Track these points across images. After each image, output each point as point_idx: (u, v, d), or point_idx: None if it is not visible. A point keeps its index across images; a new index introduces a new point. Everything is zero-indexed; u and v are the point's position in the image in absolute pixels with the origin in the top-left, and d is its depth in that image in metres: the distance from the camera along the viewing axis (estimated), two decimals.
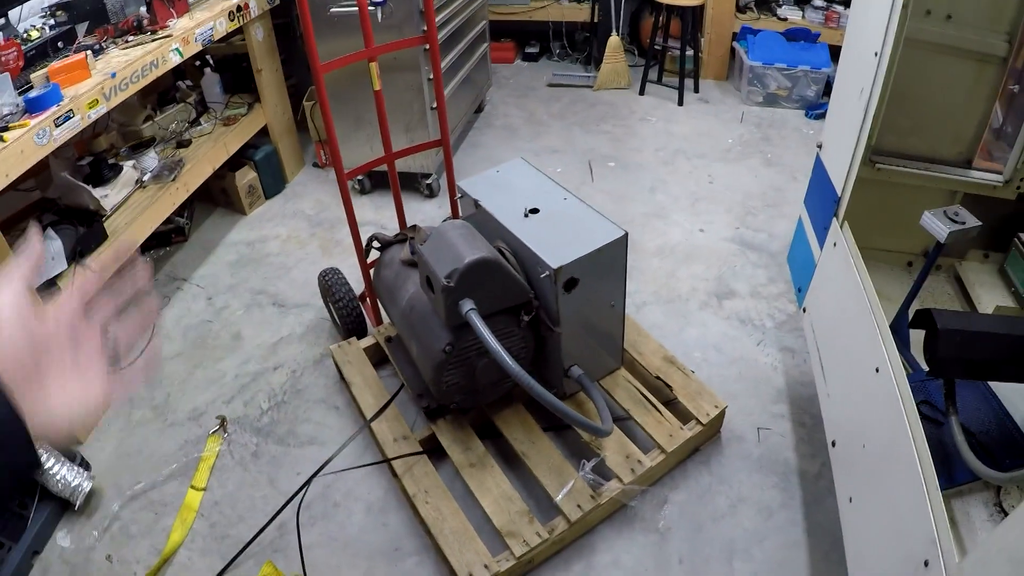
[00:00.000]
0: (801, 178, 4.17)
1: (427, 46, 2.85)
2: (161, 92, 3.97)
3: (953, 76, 2.35)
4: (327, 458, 2.54)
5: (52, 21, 2.93)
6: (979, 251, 2.67)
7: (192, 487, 2.54)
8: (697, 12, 5.20)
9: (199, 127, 3.84)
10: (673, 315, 3.20)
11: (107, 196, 3.08)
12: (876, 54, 2.02)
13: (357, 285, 3.09)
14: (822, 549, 2.24)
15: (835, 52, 4.86)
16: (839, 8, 5.18)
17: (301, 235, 3.90)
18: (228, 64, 4.19)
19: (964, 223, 1.95)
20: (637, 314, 3.19)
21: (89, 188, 3.01)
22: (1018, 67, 2.34)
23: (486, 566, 2.07)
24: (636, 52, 6.13)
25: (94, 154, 3.23)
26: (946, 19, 2.25)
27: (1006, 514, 1.82)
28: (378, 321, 3.03)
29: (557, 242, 2.26)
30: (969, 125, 2.43)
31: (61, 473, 2.37)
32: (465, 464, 2.36)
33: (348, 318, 2.95)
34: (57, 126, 2.46)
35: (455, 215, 2.91)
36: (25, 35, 2.79)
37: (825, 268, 2.40)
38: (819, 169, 2.53)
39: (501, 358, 2.00)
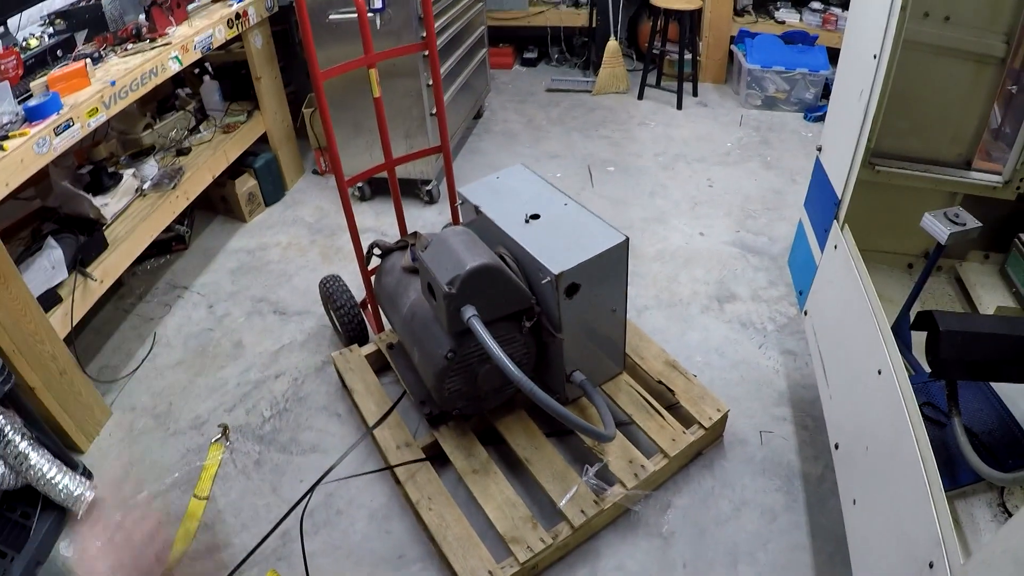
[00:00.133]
0: (800, 181, 4.17)
1: (426, 52, 2.86)
2: (161, 100, 3.97)
3: (952, 77, 2.36)
4: (330, 466, 2.54)
5: (51, 29, 2.93)
6: (979, 252, 2.67)
7: (195, 496, 2.53)
8: (695, 16, 5.21)
9: (199, 135, 3.84)
10: (674, 319, 3.20)
11: (107, 204, 3.08)
12: (875, 56, 2.02)
13: (358, 292, 3.09)
14: (826, 551, 2.24)
15: (833, 54, 4.88)
16: (836, 10, 5.20)
17: (302, 242, 3.90)
18: (227, 72, 4.19)
19: (964, 224, 1.95)
20: (638, 318, 3.19)
21: (89, 197, 3.01)
22: (1016, 67, 2.34)
23: (490, 572, 2.07)
24: (634, 56, 6.14)
25: (94, 162, 3.23)
26: (944, 21, 2.25)
27: (1010, 515, 1.82)
28: (379, 328, 3.03)
29: (558, 248, 2.26)
30: (968, 126, 2.43)
31: (63, 483, 2.36)
32: (468, 470, 2.36)
33: (349, 325, 2.95)
34: (57, 135, 2.46)
35: (455, 221, 2.91)
36: (24, 43, 2.79)
37: (826, 271, 2.40)
38: (819, 172, 2.53)
39: (503, 364, 2.00)
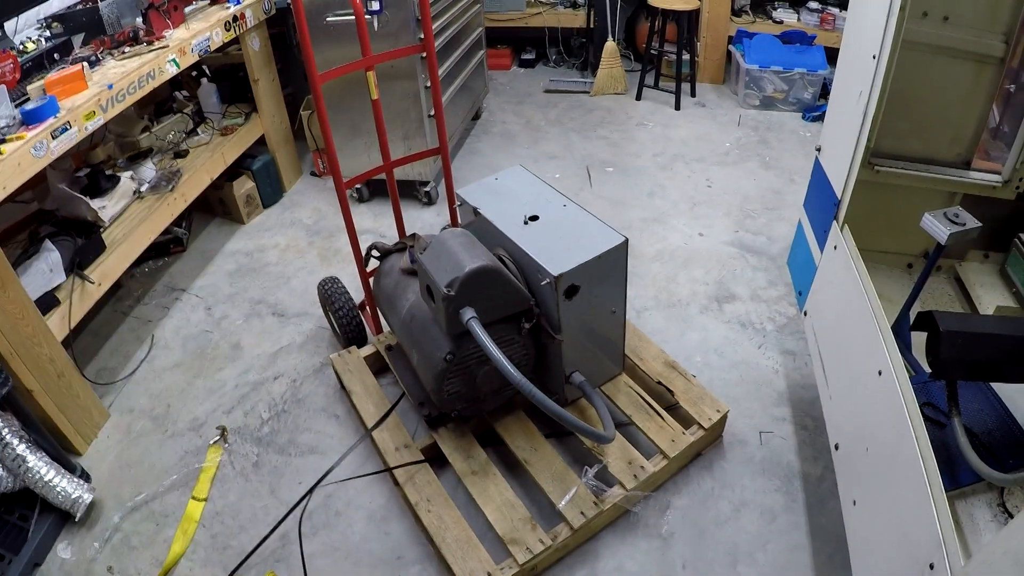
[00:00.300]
0: (799, 181, 4.18)
1: (424, 54, 2.85)
2: (158, 103, 3.96)
3: (951, 77, 2.35)
4: (328, 467, 2.53)
5: (48, 33, 2.93)
6: (979, 252, 2.67)
7: (193, 498, 2.53)
8: (692, 16, 5.20)
9: (196, 137, 3.83)
10: (673, 320, 3.20)
11: (105, 207, 3.08)
12: (874, 56, 2.02)
13: (356, 294, 3.08)
14: (826, 552, 2.23)
15: (831, 54, 4.88)
16: (834, 10, 5.20)
17: (300, 244, 3.89)
18: (225, 74, 4.19)
19: (964, 224, 1.95)
20: (638, 319, 3.18)
21: (87, 199, 3.01)
22: (1015, 67, 2.34)
23: (489, 574, 2.06)
24: (632, 57, 6.14)
25: (91, 165, 3.22)
26: (943, 20, 2.25)
27: (1010, 515, 1.82)
28: (378, 330, 3.03)
29: (557, 249, 2.26)
30: (967, 126, 2.43)
31: (61, 485, 2.36)
32: (467, 472, 2.36)
33: (348, 327, 2.94)
34: (54, 138, 2.45)
35: (454, 223, 2.91)
36: (21, 47, 2.79)
37: (826, 271, 2.40)
38: (818, 172, 2.53)
39: (503, 366, 1.99)
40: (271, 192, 4.24)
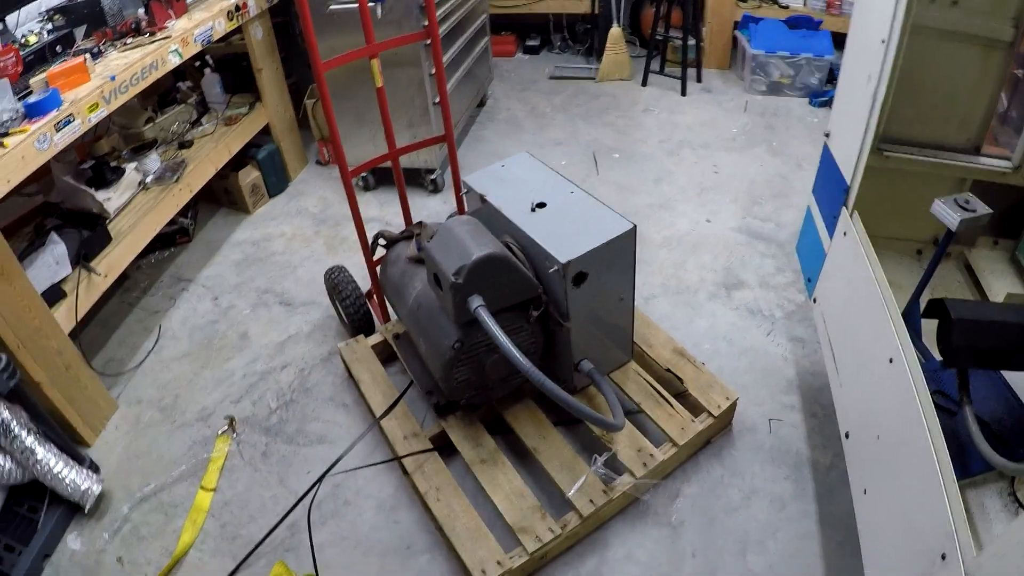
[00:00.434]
0: (807, 166, 4.15)
1: (428, 41, 2.83)
2: (161, 94, 3.96)
3: (960, 62, 2.33)
4: (337, 457, 2.54)
5: (50, 25, 2.92)
6: (989, 238, 2.65)
7: (202, 488, 2.53)
8: (698, 1, 5.18)
9: (201, 128, 3.83)
10: (682, 306, 3.19)
11: (110, 199, 3.08)
12: (883, 41, 1.99)
13: (363, 282, 3.08)
14: (836, 540, 2.23)
15: (837, 39, 4.85)
16: None
17: (306, 233, 3.89)
18: (228, 64, 4.18)
19: (975, 210, 1.93)
20: (646, 306, 3.17)
21: (92, 191, 3.01)
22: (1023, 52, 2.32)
23: (499, 562, 2.06)
24: (637, 43, 6.10)
25: (96, 157, 3.22)
26: (952, 4, 2.23)
27: (1021, 505, 1.81)
28: (385, 318, 3.02)
29: (565, 236, 2.24)
30: (976, 111, 2.40)
31: (70, 477, 2.37)
32: (476, 460, 2.36)
33: (355, 316, 2.94)
34: (58, 131, 2.45)
35: (460, 210, 2.90)
36: (23, 40, 2.78)
37: (835, 258, 2.38)
38: (827, 158, 2.51)
39: (511, 354, 1.99)
40: (276, 181, 4.23)
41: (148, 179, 3.31)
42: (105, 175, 3.11)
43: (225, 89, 4.03)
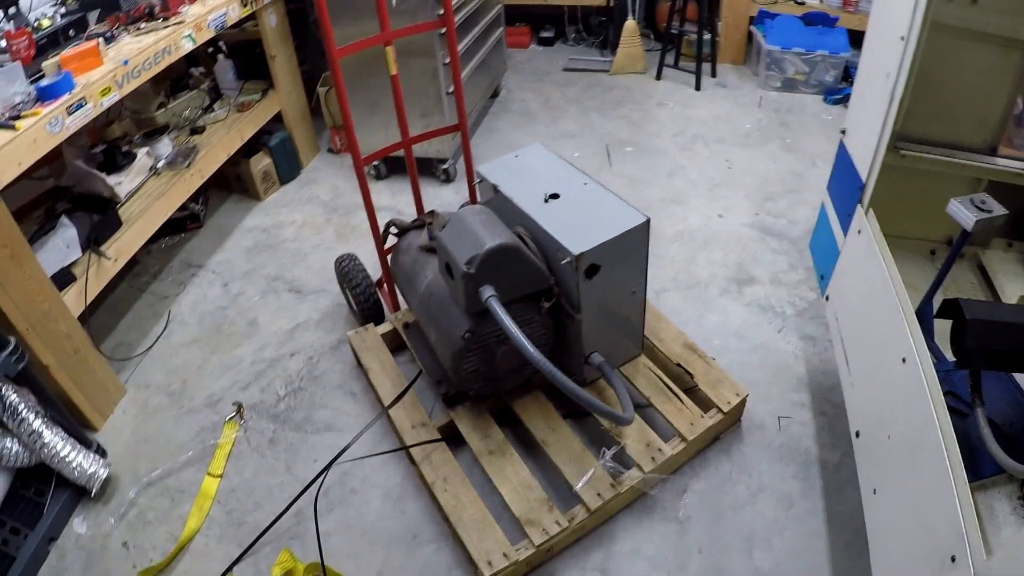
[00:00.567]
0: (821, 164, 4.13)
1: (443, 30, 2.82)
2: (174, 79, 3.95)
3: (977, 61, 2.31)
4: (345, 445, 2.54)
5: (63, 9, 2.91)
6: (1003, 240, 2.63)
7: (209, 474, 2.54)
8: None
9: (213, 114, 3.82)
10: (693, 301, 3.17)
11: (121, 183, 3.08)
12: (902, 38, 1.97)
13: (374, 271, 3.07)
14: (843, 540, 2.22)
15: (853, 37, 4.81)
16: None
17: (317, 221, 3.89)
18: (241, 50, 4.17)
19: (991, 211, 1.91)
20: (657, 300, 3.16)
21: (103, 176, 3.01)
22: None
23: (505, 554, 2.06)
24: (652, 36, 6.07)
25: (107, 142, 3.22)
26: (971, 3, 2.20)
27: None
28: (396, 307, 3.02)
29: (578, 228, 2.23)
30: (993, 111, 2.39)
31: (77, 460, 2.37)
32: (484, 452, 2.35)
33: (365, 304, 2.93)
34: (70, 114, 2.45)
35: (473, 200, 2.89)
36: (36, 24, 2.77)
37: (849, 256, 2.36)
38: (843, 155, 2.49)
39: (522, 345, 1.98)
40: (288, 169, 4.23)
41: (159, 164, 3.31)
42: (116, 159, 3.11)
43: (238, 75, 4.03)
